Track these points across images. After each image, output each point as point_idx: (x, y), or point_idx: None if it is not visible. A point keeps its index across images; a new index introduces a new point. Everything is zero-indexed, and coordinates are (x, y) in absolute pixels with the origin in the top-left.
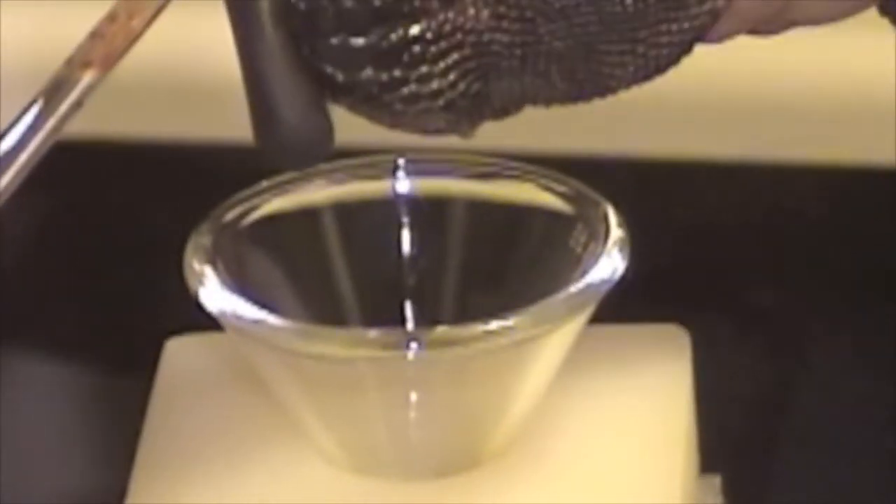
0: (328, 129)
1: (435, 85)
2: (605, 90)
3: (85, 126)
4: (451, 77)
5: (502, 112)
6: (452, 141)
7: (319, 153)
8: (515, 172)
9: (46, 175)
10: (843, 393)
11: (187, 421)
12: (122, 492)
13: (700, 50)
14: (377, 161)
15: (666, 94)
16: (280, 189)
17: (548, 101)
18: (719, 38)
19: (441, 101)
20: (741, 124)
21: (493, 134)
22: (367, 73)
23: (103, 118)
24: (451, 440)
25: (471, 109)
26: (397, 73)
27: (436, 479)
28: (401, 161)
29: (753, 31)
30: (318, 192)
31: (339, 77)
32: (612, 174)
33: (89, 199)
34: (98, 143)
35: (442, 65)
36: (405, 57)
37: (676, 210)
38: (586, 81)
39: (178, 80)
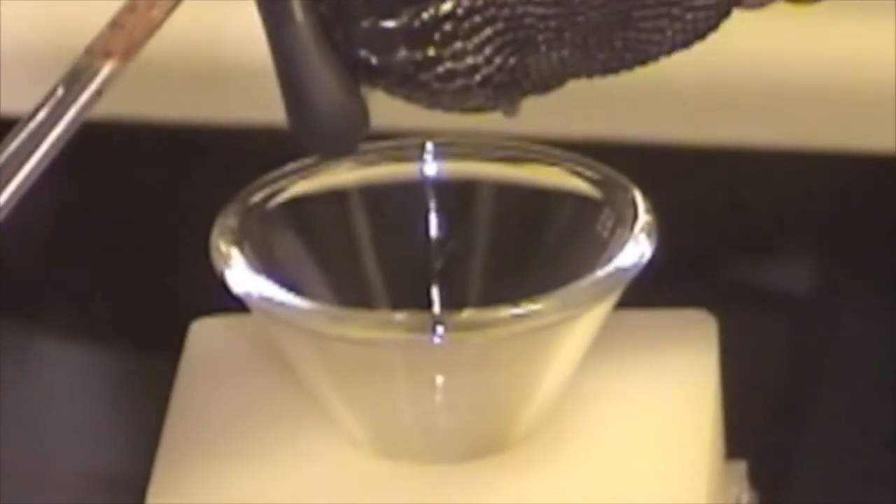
0: (363, 114)
1: (470, 61)
2: (645, 57)
3: (111, 108)
4: (487, 52)
5: (543, 87)
6: (481, 124)
7: (355, 138)
8: (543, 156)
9: (73, 157)
10: (868, 379)
11: (212, 403)
12: (147, 472)
13: (734, 37)
14: (405, 144)
15: (695, 80)
16: (307, 171)
17: (589, 73)
18: (759, 3)
19: (478, 77)
20: (774, 111)
21: (522, 118)
22: (401, 53)
23: (129, 100)
24: (477, 424)
25: (509, 84)
26: (431, 51)
27: (461, 462)
28: (429, 144)
29: None
30: (345, 175)
31: (373, 60)
32: (641, 159)
33: (116, 182)
34: (125, 125)
35: (476, 40)
36: (438, 35)
37: (704, 195)
38: (625, 50)
39: (205, 61)
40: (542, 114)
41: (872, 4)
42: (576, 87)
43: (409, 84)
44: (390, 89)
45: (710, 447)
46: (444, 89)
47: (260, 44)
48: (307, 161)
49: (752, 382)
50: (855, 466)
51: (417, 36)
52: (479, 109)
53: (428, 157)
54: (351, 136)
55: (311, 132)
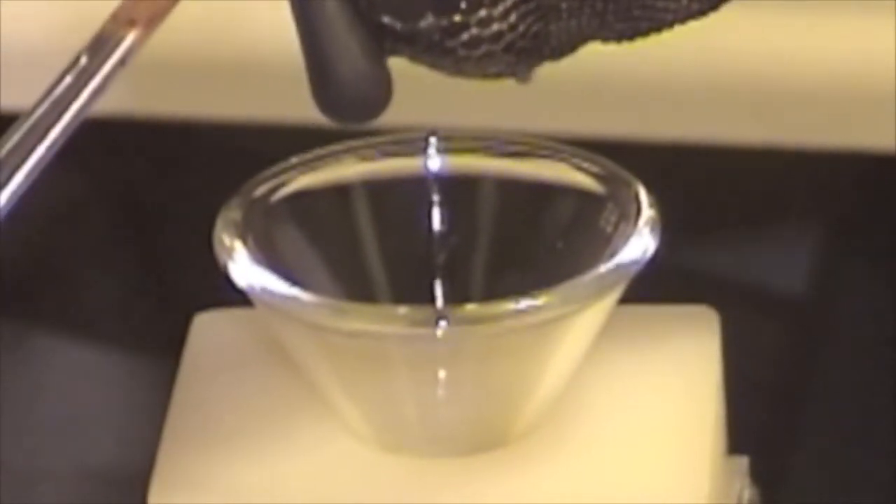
0: (387, 82)
1: (495, 27)
2: (660, 25)
3: (116, 103)
4: (512, 19)
5: (559, 52)
6: (484, 119)
7: (378, 107)
8: (547, 151)
9: (76, 152)
10: (870, 376)
11: (215, 396)
12: (149, 467)
13: (738, 35)
14: (408, 138)
15: (698, 77)
16: (311, 165)
17: (604, 39)
18: None
19: (502, 44)
20: (776, 109)
21: (526, 114)
22: (428, 20)
23: (135, 95)
24: (479, 418)
25: (531, 50)
26: (457, 18)
27: (463, 456)
28: (432, 138)
29: None
30: (348, 169)
31: (399, 27)
32: (644, 155)
33: (119, 175)
34: (129, 119)
35: (501, 7)
36: (464, 2)
37: (707, 191)
38: (642, 18)
39: (210, 57)
40: (545, 110)
41: (872, 3)
42: (580, 84)
43: (434, 51)
44: (415, 57)
45: (711, 443)
46: (470, 56)
47: (265, 39)
48: (311, 155)
49: (753, 378)
50: (856, 463)
51: (444, 3)
52: (498, 75)
53: (431, 151)
54: (374, 105)
55: (335, 101)
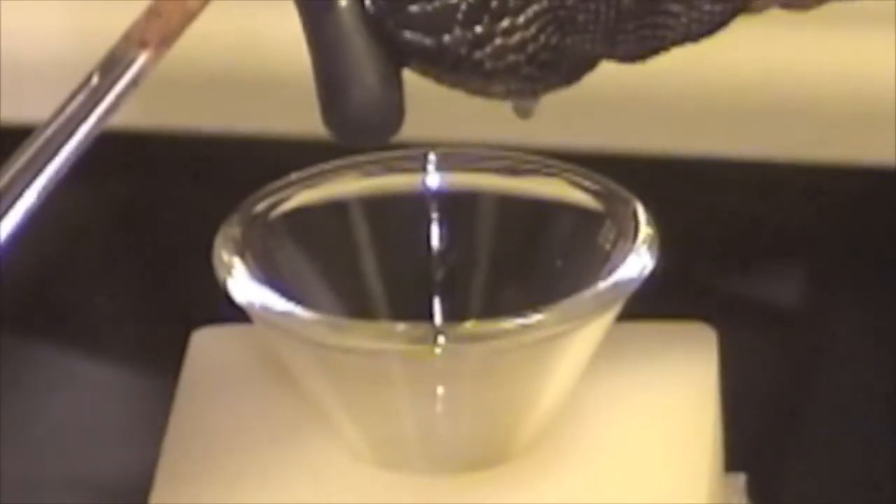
0: (399, 107)
1: (519, 37)
2: (661, 47)
3: (117, 117)
4: (533, 29)
5: (575, 73)
6: (483, 137)
7: (389, 131)
8: (545, 168)
9: (76, 166)
10: (868, 392)
11: (213, 412)
12: (148, 483)
13: (737, 50)
14: (408, 155)
15: (696, 92)
16: (310, 181)
17: (610, 58)
18: (755, 9)
19: (525, 54)
20: (774, 124)
21: (524, 130)
22: (455, 33)
23: (136, 109)
24: (478, 435)
25: (551, 64)
26: (481, 29)
27: (462, 473)
28: (431, 155)
29: (787, 5)
30: (348, 185)
31: (427, 42)
32: (642, 171)
33: (119, 191)
34: (130, 134)
35: (522, 18)
36: (486, 14)
37: (705, 208)
38: (647, 39)
39: (211, 72)
40: (544, 126)
41: (872, 16)
42: (579, 100)
43: (461, 65)
44: (441, 75)
45: (709, 460)
46: (497, 67)
47: (268, 54)
48: (310, 171)
49: (751, 396)
50: (854, 480)
51: (470, 13)
52: (521, 95)
53: (430, 168)
54: (385, 130)
55: (345, 123)
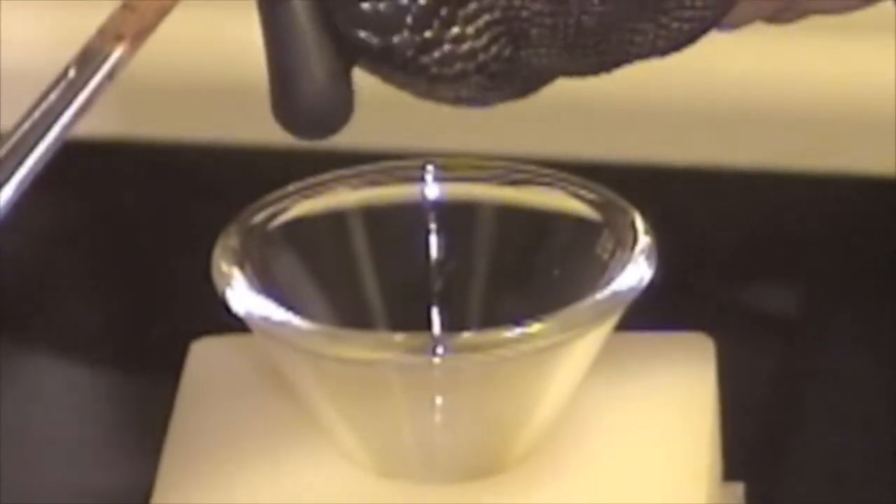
0: (349, 100)
1: (468, 46)
2: (624, 60)
3: (115, 128)
4: (484, 39)
5: (531, 83)
6: (480, 146)
7: (338, 124)
8: (543, 178)
9: (76, 176)
10: (865, 401)
11: (212, 422)
12: (147, 494)
13: (731, 61)
14: (406, 165)
15: (693, 102)
16: (309, 192)
17: (570, 73)
18: (734, 26)
19: (474, 63)
20: (772, 134)
21: (520, 140)
22: (403, 36)
23: (134, 120)
24: (476, 444)
25: (504, 75)
26: (430, 34)
27: (460, 483)
28: (429, 166)
29: (769, 19)
30: (346, 196)
31: (375, 42)
32: (641, 181)
33: (119, 201)
34: (129, 144)
35: (473, 27)
36: (436, 19)
37: (703, 218)
38: (608, 53)
39: (208, 82)
40: (542, 136)
41: (871, 24)
42: (576, 109)
43: (408, 68)
44: (389, 76)
45: (707, 469)
46: (443, 74)
47: (263, 64)
48: (309, 182)
49: (749, 405)
50: (852, 489)
51: (417, 18)
52: (470, 102)
53: (428, 178)
54: (333, 123)
55: (296, 116)
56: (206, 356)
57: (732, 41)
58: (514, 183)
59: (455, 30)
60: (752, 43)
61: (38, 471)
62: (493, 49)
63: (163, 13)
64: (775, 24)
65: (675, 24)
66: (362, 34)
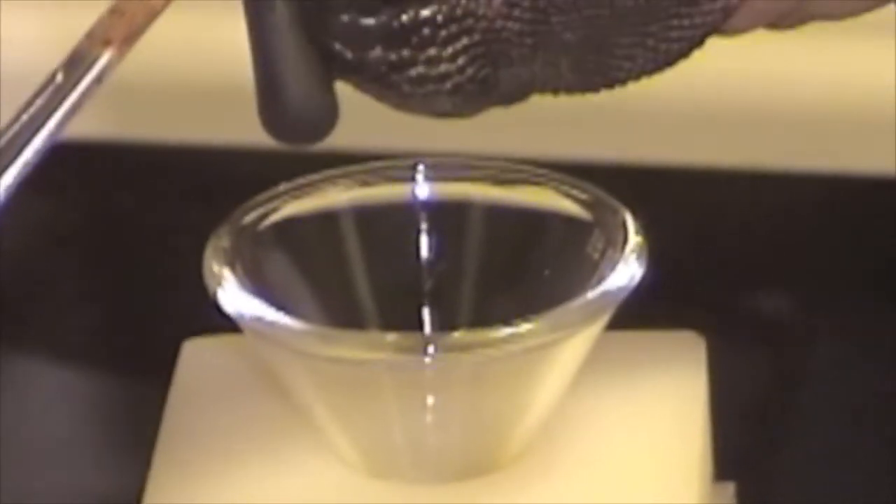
0: (333, 108)
1: (443, 68)
2: (613, 81)
3: (106, 129)
4: (460, 62)
5: (509, 98)
6: (471, 146)
7: (323, 131)
8: (534, 178)
9: (67, 177)
10: (857, 401)
11: (204, 423)
12: (139, 494)
13: (725, 60)
14: (396, 165)
15: (686, 102)
16: (299, 192)
17: (555, 90)
18: (735, 32)
19: (448, 85)
20: (764, 133)
21: (511, 140)
22: (377, 52)
23: (125, 121)
24: (468, 444)
25: (478, 94)
26: (406, 53)
27: (452, 482)
28: (420, 166)
29: (770, 25)
30: (337, 196)
31: (348, 55)
32: (631, 181)
33: (109, 202)
34: (120, 146)
35: (451, 49)
36: (415, 39)
37: (694, 217)
38: (595, 73)
39: (200, 83)
40: (533, 135)
41: (871, 26)
42: (567, 110)
43: (380, 83)
44: (361, 86)
45: (698, 469)
46: (414, 93)
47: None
48: (300, 182)
49: (740, 405)
50: (843, 489)
51: (394, 37)
52: (444, 115)
53: (419, 178)
54: (319, 129)
55: (281, 121)
56: (197, 356)
57: (730, 41)
58: (504, 182)
59: (431, 51)
60: (750, 43)
61: (28, 470)
62: (469, 71)
63: (151, 17)
64: (777, 30)
65: (662, 46)
66: (337, 46)
